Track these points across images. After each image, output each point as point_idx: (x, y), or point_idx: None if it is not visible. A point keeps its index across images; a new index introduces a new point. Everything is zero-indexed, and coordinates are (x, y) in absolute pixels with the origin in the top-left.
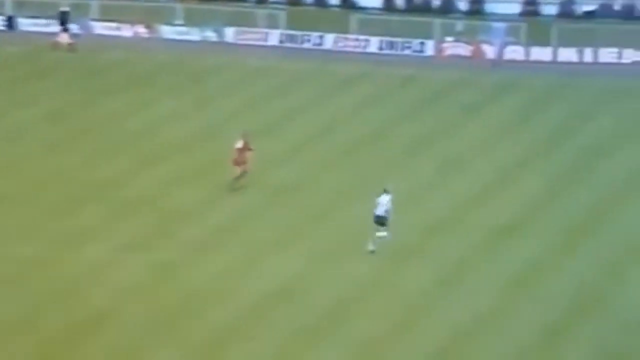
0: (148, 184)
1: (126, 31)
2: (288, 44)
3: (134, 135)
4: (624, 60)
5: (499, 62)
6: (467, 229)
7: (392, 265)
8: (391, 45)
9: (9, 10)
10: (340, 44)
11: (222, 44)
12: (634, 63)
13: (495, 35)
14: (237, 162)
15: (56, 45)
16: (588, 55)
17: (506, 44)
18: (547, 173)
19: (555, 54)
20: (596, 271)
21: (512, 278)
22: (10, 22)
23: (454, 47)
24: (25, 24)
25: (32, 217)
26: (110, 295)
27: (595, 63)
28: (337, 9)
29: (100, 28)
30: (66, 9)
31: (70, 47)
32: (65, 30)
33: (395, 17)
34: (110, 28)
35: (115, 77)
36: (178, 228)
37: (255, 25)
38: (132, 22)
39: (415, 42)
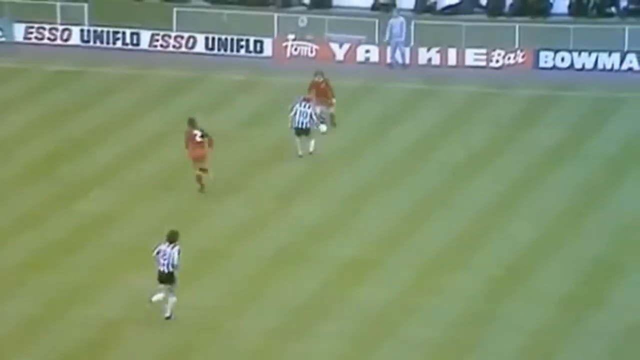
0: None
1: None
2: (94, 44)
3: None
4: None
5: (398, 64)
6: None
7: None
8: (223, 44)
9: None
10: (159, 43)
11: (8, 45)
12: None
13: (394, 32)
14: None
15: None
16: (452, 57)
17: (404, 42)
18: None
19: (414, 55)
20: None
21: None
22: None
23: (297, 47)
24: None
25: None
26: None
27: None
28: (155, 1)
29: None
30: None
31: None
32: None
33: (226, 10)
34: None
35: None
36: None
37: (51, 21)
38: None
39: (251, 40)
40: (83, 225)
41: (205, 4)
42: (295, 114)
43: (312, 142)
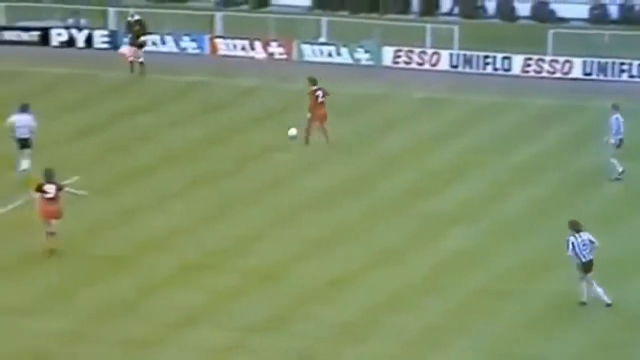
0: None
1: (257, 51)
2: (463, 69)
3: (269, 184)
4: None
5: None
6: None
7: None
8: (602, 68)
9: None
10: (532, 68)
11: (377, 69)
12: None
13: None
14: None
15: (133, 64)
16: None
17: None
18: None
19: None
20: None
21: None
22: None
23: None
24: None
25: None
26: None
27: None
28: (528, 22)
29: (225, 47)
30: (136, 17)
31: (139, 67)
32: (139, 45)
33: (607, 31)
34: (238, 47)
35: (243, 111)
36: None
37: (420, 45)
38: (265, 40)
39: (635, 64)
40: (443, 264)
41: (585, 24)
42: (616, 124)
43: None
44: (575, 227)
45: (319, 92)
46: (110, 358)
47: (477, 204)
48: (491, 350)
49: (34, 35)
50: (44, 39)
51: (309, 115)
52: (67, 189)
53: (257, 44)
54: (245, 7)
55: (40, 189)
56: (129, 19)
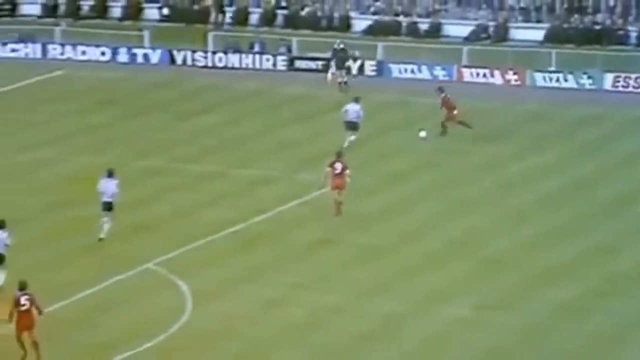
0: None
1: (496, 78)
2: None
3: (493, 189)
4: None
5: None
6: None
7: None
8: None
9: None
10: None
11: (599, 92)
12: None
13: None
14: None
15: (341, 85)
16: None
17: None
18: None
19: None
20: None
21: None
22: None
23: None
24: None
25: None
26: None
27: None
28: None
29: (469, 75)
30: (341, 46)
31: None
32: (345, 68)
33: None
34: (480, 75)
35: (482, 130)
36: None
37: (637, 71)
38: (502, 69)
39: None
40: None
41: None
42: None
43: None
44: None
45: (449, 97)
46: (371, 328)
47: None
48: None
49: (319, 64)
50: (327, 68)
51: (446, 115)
52: (348, 172)
53: (496, 72)
54: (487, 41)
55: (331, 166)
56: (335, 47)
